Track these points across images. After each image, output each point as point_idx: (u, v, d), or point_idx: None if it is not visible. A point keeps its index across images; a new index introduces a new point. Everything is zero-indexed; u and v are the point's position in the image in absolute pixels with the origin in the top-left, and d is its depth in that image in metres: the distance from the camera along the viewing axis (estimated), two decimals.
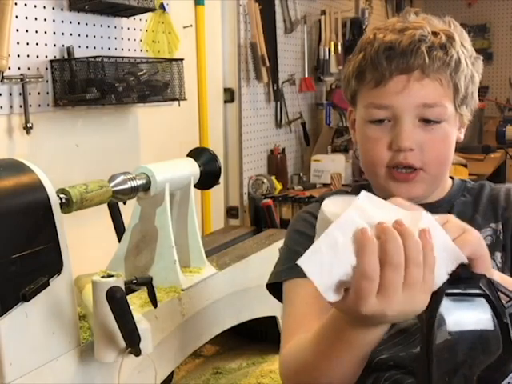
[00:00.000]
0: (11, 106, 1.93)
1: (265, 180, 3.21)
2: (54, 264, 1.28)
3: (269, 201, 2.64)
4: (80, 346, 1.36)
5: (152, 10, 2.30)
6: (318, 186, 3.46)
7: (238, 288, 2.03)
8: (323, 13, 3.78)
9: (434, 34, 0.91)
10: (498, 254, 0.96)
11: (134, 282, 1.38)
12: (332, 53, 3.80)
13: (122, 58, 2.19)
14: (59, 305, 1.29)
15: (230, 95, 3.07)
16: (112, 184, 1.59)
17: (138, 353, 1.30)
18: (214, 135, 2.98)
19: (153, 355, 1.40)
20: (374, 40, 0.93)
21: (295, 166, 3.74)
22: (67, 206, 1.41)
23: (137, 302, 1.60)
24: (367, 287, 0.64)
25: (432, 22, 0.94)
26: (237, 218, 3.15)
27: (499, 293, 0.68)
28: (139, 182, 1.68)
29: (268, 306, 2.15)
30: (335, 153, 3.57)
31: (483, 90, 5.49)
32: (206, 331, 1.87)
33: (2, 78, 1.84)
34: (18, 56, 1.94)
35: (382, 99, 0.92)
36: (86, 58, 2.06)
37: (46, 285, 1.24)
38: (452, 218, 0.72)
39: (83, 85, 2.01)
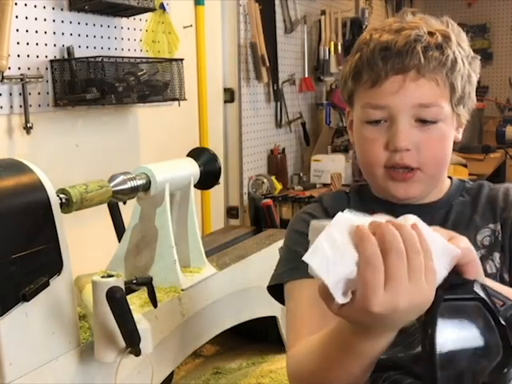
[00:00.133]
0: (11, 106, 1.94)
1: (265, 180, 3.21)
2: (54, 264, 1.28)
3: (269, 201, 2.65)
4: (80, 346, 1.36)
5: (152, 10, 2.30)
6: (317, 186, 3.46)
7: (238, 288, 2.03)
8: (323, 13, 3.78)
9: (430, 33, 0.91)
10: (497, 255, 0.96)
11: (134, 281, 1.38)
12: (332, 53, 3.80)
13: (122, 58, 2.19)
14: (59, 305, 1.29)
15: (230, 95, 3.07)
16: (112, 184, 1.59)
17: (137, 353, 1.30)
18: (214, 135, 2.98)
19: (153, 355, 1.40)
20: (370, 40, 0.93)
21: (295, 166, 3.74)
22: (67, 206, 1.41)
23: (137, 302, 1.60)
24: (373, 278, 0.64)
25: (429, 22, 0.94)
26: (237, 218, 3.15)
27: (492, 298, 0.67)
28: (139, 182, 1.68)
29: (268, 306, 2.15)
30: (335, 153, 3.57)
31: (483, 90, 5.50)
32: (205, 331, 1.87)
33: (2, 77, 1.85)
34: (18, 56, 1.94)
35: (378, 99, 0.92)
36: (86, 57, 2.06)
37: (46, 285, 1.24)
38: (438, 227, 0.72)
39: (83, 85, 2.01)
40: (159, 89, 2.27)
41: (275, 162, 3.42)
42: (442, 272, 0.67)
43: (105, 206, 1.76)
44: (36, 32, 2.00)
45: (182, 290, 1.75)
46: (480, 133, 4.60)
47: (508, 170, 4.27)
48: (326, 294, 0.66)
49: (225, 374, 2.24)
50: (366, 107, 0.94)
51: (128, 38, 2.39)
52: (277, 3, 3.40)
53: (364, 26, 4.10)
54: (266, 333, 2.44)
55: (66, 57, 2.08)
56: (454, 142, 0.98)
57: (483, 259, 0.95)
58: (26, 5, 1.95)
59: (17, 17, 1.91)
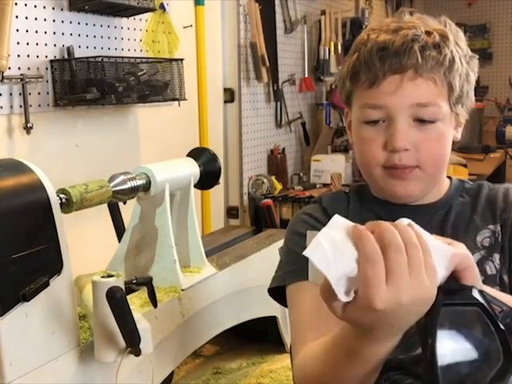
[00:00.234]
0: (11, 106, 1.94)
1: (265, 180, 3.21)
2: (53, 264, 1.28)
3: (269, 201, 2.65)
4: (80, 346, 1.36)
5: (152, 10, 2.30)
6: (317, 186, 3.46)
7: (238, 288, 2.03)
8: (323, 13, 3.78)
9: (428, 33, 0.91)
10: (497, 256, 0.95)
11: (134, 282, 1.38)
12: (332, 53, 3.80)
13: (122, 58, 2.19)
14: (59, 305, 1.30)
15: (230, 95, 3.07)
16: (112, 184, 1.59)
17: (137, 353, 1.30)
18: (214, 135, 2.98)
19: (153, 355, 1.40)
20: (368, 41, 0.93)
21: (295, 166, 3.74)
22: (67, 206, 1.41)
23: (137, 302, 1.60)
24: (374, 273, 0.63)
25: (427, 22, 0.94)
26: (237, 218, 3.15)
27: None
28: (139, 182, 1.68)
29: (268, 306, 2.15)
30: (335, 153, 3.57)
31: (483, 90, 5.50)
32: (205, 331, 1.87)
33: (2, 77, 1.85)
34: (18, 56, 1.94)
35: (376, 99, 0.92)
36: (86, 58, 2.06)
37: (46, 285, 1.24)
38: (434, 235, 0.71)
39: (83, 85, 2.01)
40: (159, 89, 2.27)
41: (275, 162, 3.42)
42: (441, 270, 0.67)
43: (105, 206, 1.76)
44: (36, 32, 2.00)
45: (182, 290, 1.75)
46: (480, 133, 4.60)
47: (508, 170, 4.27)
48: (327, 292, 0.65)
49: (225, 374, 2.24)
50: (364, 107, 0.94)
51: (128, 38, 2.39)
52: (277, 3, 3.40)
53: (364, 26, 4.09)
54: (266, 333, 2.44)
55: (66, 57, 2.08)
56: (453, 142, 0.98)
57: (483, 260, 0.95)
58: (26, 5, 1.95)
59: (17, 17, 1.91)
